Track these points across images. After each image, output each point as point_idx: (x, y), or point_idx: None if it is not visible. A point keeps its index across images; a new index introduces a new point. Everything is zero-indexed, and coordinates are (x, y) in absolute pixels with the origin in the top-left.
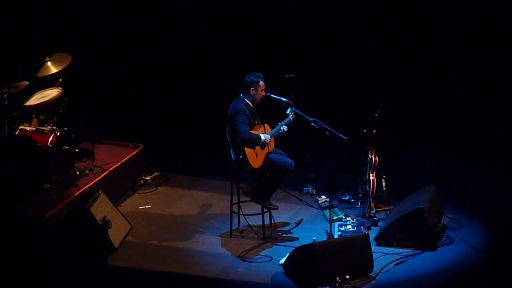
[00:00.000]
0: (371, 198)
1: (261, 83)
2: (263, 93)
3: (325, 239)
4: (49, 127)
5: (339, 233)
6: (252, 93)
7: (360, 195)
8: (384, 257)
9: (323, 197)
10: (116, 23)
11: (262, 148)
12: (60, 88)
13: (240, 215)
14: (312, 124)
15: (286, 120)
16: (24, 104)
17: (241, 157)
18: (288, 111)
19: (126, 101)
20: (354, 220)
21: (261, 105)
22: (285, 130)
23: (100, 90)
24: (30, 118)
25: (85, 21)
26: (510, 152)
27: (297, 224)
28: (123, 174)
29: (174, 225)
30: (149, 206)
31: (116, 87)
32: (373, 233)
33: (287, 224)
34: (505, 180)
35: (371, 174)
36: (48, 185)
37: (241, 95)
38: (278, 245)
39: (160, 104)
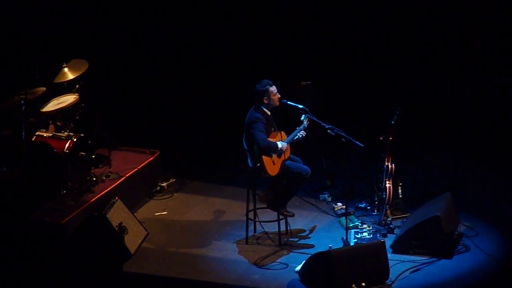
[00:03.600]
0: (387, 206)
1: (271, 88)
2: (278, 96)
3: (341, 246)
4: (65, 133)
5: (355, 240)
6: (266, 102)
7: (376, 203)
8: (400, 265)
9: (339, 204)
10: (133, 29)
11: (279, 156)
12: (77, 94)
13: (257, 222)
14: (329, 131)
15: (301, 126)
16: (41, 110)
17: (258, 165)
18: (302, 118)
19: (143, 108)
20: (370, 228)
21: (277, 112)
22: (304, 134)
23: (116, 97)
24: (47, 124)
25: (102, 27)
26: None
27: (312, 230)
28: (140, 180)
29: (190, 231)
30: (165, 213)
31: (133, 93)
32: (389, 241)
33: (303, 231)
34: None
35: (387, 182)
36: (64, 191)
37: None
38: (294, 252)
39: (177, 111)
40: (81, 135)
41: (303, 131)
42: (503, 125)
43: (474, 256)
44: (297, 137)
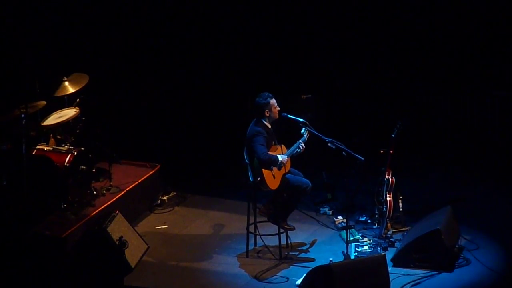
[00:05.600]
0: (388, 219)
1: (272, 101)
2: (277, 109)
3: (342, 260)
4: (66, 147)
5: (356, 254)
6: (267, 114)
7: (377, 216)
8: (401, 278)
9: (340, 217)
10: (133, 43)
11: (279, 169)
12: (77, 108)
13: (257, 235)
14: (329, 144)
15: (301, 140)
16: (42, 124)
17: (259, 179)
18: (302, 131)
19: (143, 121)
20: (371, 241)
21: (278, 126)
22: (303, 147)
23: (117, 110)
24: (48, 137)
25: (103, 41)
26: None
27: (312, 244)
28: (140, 194)
29: (190, 245)
30: (166, 226)
31: (133, 107)
32: (390, 254)
33: (304, 244)
34: None
35: (388, 195)
36: (65, 205)
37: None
38: (295, 265)
39: (177, 124)
40: (82, 148)
41: (302, 144)
42: (503, 138)
43: (475, 269)
44: (296, 150)
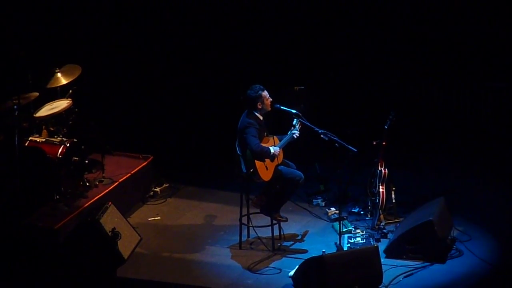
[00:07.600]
0: (380, 210)
1: (264, 93)
2: (270, 100)
3: (335, 251)
4: (58, 138)
5: (349, 245)
6: (260, 107)
7: (369, 207)
8: (393, 270)
9: (333, 209)
10: (126, 34)
11: (272, 160)
12: (70, 99)
13: (250, 227)
14: (322, 136)
15: (294, 130)
16: (34, 115)
17: (251, 170)
18: (294, 122)
19: (136, 113)
20: (364, 232)
21: (270, 117)
22: (298, 135)
23: (110, 102)
24: (40, 129)
25: (95, 33)
26: None
27: (305, 235)
28: (133, 185)
29: (183, 236)
30: (159, 218)
31: (126, 98)
32: (382, 245)
33: (297, 236)
34: None
35: (380, 186)
36: (57, 196)
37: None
38: (288, 257)
39: (170, 116)
40: (74, 140)
41: (297, 132)
42: (496, 129)
43: (467, 260)
44: (294, 138)
